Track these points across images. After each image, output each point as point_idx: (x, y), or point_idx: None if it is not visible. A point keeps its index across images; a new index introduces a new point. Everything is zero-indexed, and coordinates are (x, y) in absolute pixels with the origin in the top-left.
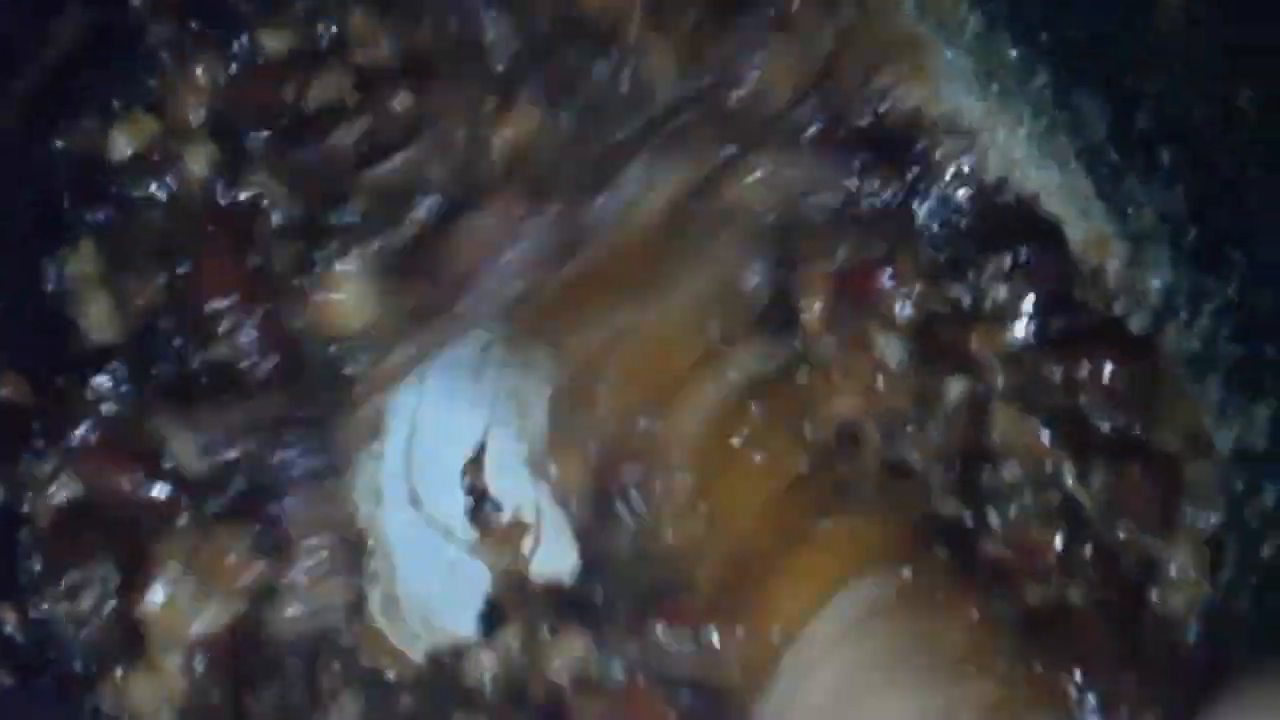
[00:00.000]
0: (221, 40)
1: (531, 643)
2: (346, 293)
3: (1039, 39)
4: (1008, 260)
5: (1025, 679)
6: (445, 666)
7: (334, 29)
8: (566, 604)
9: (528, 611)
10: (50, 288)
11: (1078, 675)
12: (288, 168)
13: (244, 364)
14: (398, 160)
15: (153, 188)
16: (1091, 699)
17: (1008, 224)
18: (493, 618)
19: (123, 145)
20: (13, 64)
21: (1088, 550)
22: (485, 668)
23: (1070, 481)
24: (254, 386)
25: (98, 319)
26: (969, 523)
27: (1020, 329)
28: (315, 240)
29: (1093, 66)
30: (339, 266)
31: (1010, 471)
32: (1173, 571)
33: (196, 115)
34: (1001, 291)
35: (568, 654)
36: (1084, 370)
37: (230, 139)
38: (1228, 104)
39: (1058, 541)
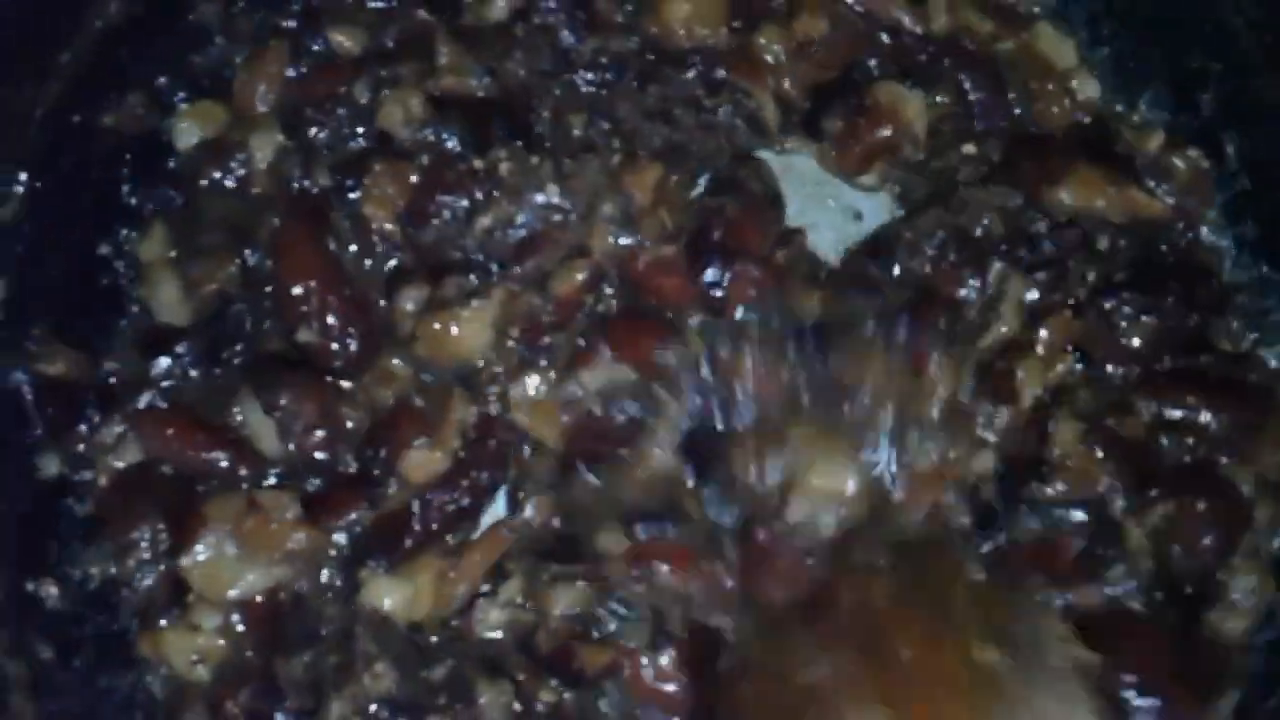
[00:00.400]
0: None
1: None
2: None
3: None
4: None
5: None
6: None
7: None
8: None
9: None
10: (121, 269)
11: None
12: None
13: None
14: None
15: (219, 175)
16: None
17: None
18: None
19: (190, 133)
20: (59, 37)
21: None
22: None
23: (1118, 510)
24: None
25: (167, 301)
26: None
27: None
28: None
29: None
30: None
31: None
32: (1235, 596)
33: (264, 103)
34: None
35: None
36: (1180, 412)
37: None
38: None
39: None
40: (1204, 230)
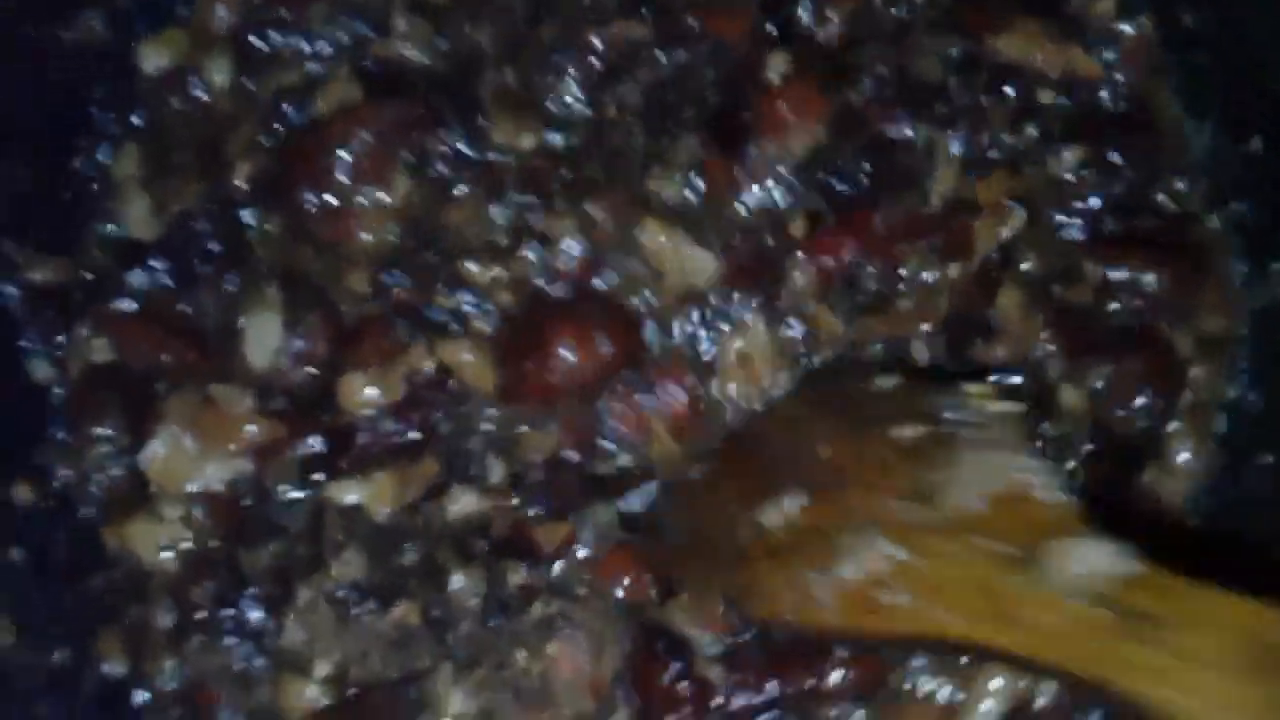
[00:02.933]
0: None
1: None
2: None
3: None
4: (1087, 149)
5: None
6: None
7: None
8: None
9: None
10: (94, 183)
11: None
12: None
13: None
14: None
15: (182, 97)
16: None
17: (1102, 117)
18: None
19: (153, 58)
20: None
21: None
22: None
23: (1056, 370)
24: None
25: (137, 217)
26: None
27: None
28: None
29: None
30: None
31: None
32: (1176, 458)
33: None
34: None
35: None
36: (1124, 273)
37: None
38: None
39: None
40: (1146, 91)
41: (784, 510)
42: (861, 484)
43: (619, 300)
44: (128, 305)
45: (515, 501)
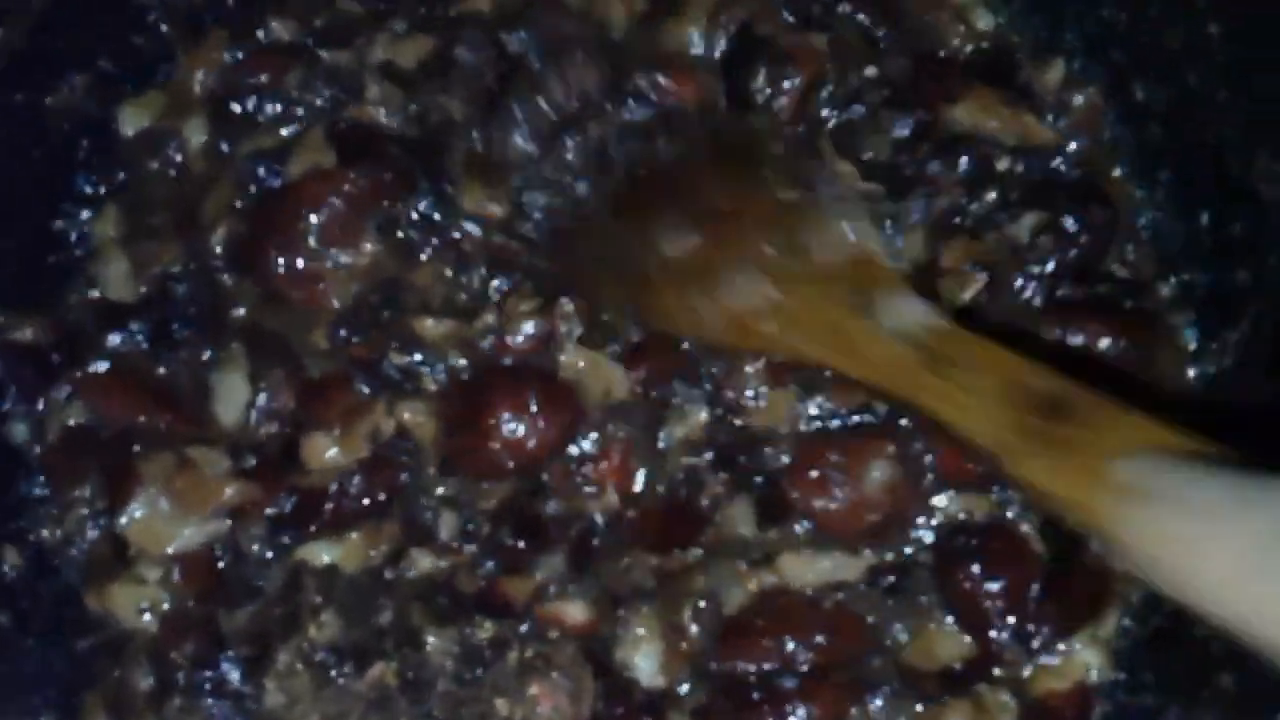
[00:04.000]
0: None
1: None
2: None
3: None
4: (1045, 215)
5: None
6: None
7: None
8: None
9: None
10: (74, 246)
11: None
12: None
13: None
14: None
15: (160, 159)
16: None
17: (1057, 184)
18: None
19: (133, 120)
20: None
21: None
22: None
23: None
24: None
25: (115, 279)
26: None
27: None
28: None
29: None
30: None
31: None
32: None
33: (200, 88)
34: (1028, 243)
35: None
36: (1080, 338)
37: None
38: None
39: None
40: (1097, 161)
41: (682, 243)
42: (748, 232)
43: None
44: (104, 367)
45: (469, 555)
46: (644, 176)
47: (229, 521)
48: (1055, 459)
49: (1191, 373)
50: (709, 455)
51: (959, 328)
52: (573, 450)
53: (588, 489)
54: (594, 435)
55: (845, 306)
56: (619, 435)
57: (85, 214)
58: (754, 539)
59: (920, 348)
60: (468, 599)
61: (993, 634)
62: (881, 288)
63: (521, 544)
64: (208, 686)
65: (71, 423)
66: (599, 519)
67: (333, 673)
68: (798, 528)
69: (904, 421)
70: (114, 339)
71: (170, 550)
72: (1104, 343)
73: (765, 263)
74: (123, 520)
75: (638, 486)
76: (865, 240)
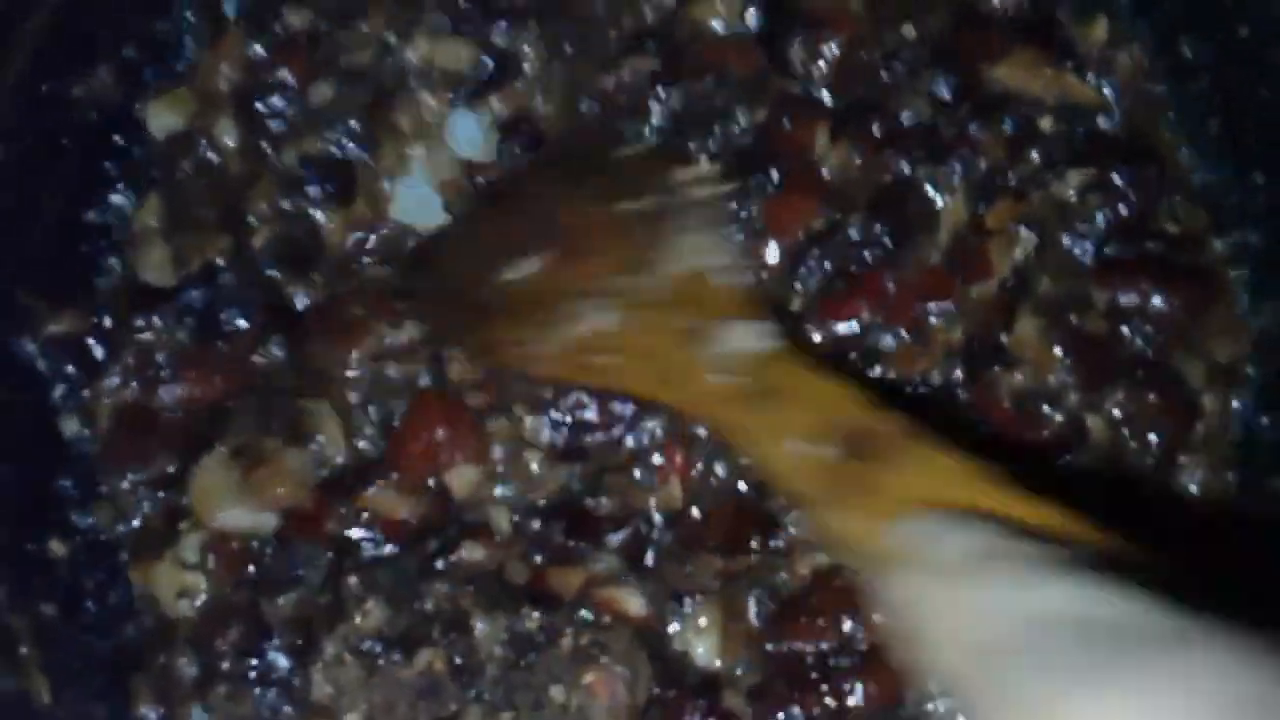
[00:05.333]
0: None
1: None
2: None
3: None
4: (1091, 172)
5: None
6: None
7: None
8: None
9: None
10: (110, 238)
11: None
12: None
13: None
14: None
15: (193, 159)
16: None
17: (1103, 141)
18: None
19: (162, 121)
20: (19, 4)
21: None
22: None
23: (1074, 400)
24: None
25: (153, 264)
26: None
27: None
28: None
29: None
30: None
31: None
32: (1188, 489)
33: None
34: (1075, 202)
35: None
36: (1134, 298)
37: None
38: None
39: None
40: (1144, 118)
41: (523, 272)
42: (588, 253)
43: None
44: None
45: (519, 549)
46: (485, 202)
47: (277, 520)
48: (847, 506)
49: (1246, 325)
50: None
51: (790, 355)
52: (629, 443)
53: (644, 486)
54: (653, 426)
55: (676, 334)
56: (675, 429)
57: (120, 203)
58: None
59: (748, 378)
60: (517, 589)
61: None
62: (715, 312)
63: (572, 541)
64: (254, 675)
65: (124, 403)
66: (657, 518)
67: (380, 661)
68: None
69: (960, 392)
70: (144, 321)
71: (218, 523)
72: (1156, 300)
73: (603, 288)
74: (194, 470)
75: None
76: (705, 257)
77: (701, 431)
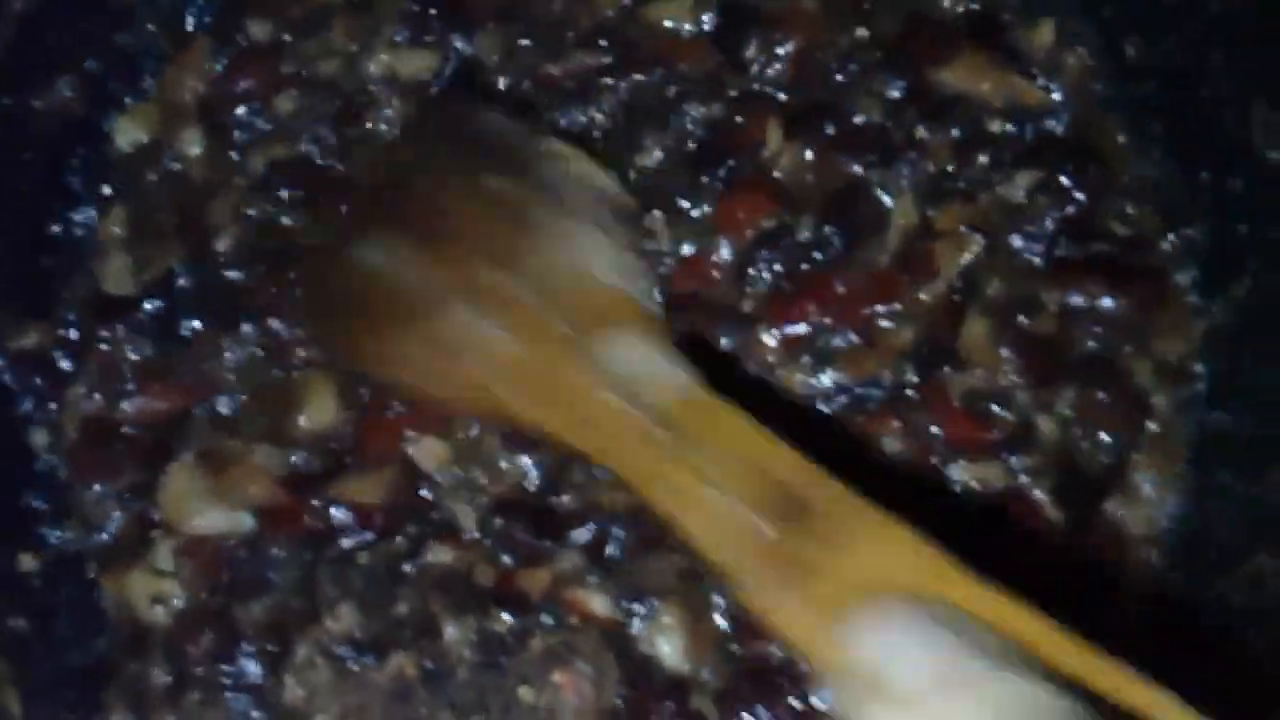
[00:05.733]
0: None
1: None
2: None
3: None
4: (1039, 174)
5: None
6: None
7: None
8: None
9: None
10: (73, 250)
11: None
12: None
13: None
14: None
15: (158, 169)
16: None
17: (1051, 143)
18: None
19: (128, 133)
20: None
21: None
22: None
23: (1026, 400)
24: None
25: (115, 274)
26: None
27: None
28: None
29: None
30: None
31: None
32: (1142, 489)
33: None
34: (1024, 203)
35: None
36: (1082, 298)
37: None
38: None
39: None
40: (1091, 120)
41: (382, 255)
42: (450, 236)
43: None
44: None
45: (485, 547)
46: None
47: (253, 519)
48: (786, 588)
49: (1195, 324)
50: None
51: (705, 391)
52: None
53: (603, 481)
54: None
55: (557, 342)
56: None
57: (84, 215)
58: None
59: (659, 416)
60: (484, 592)
61: None
62: (602, 318)
63: (537, 540)
64: (226, 681)
65: (89, 415)
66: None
67: (352, 665)
68: None
69: (910, 393)
70: (108, 331)
71: (191, 528)
72: (1105, 300)
73: (474, 281)
74: (163, 481)
75: None
76: (585, 248)
77: None
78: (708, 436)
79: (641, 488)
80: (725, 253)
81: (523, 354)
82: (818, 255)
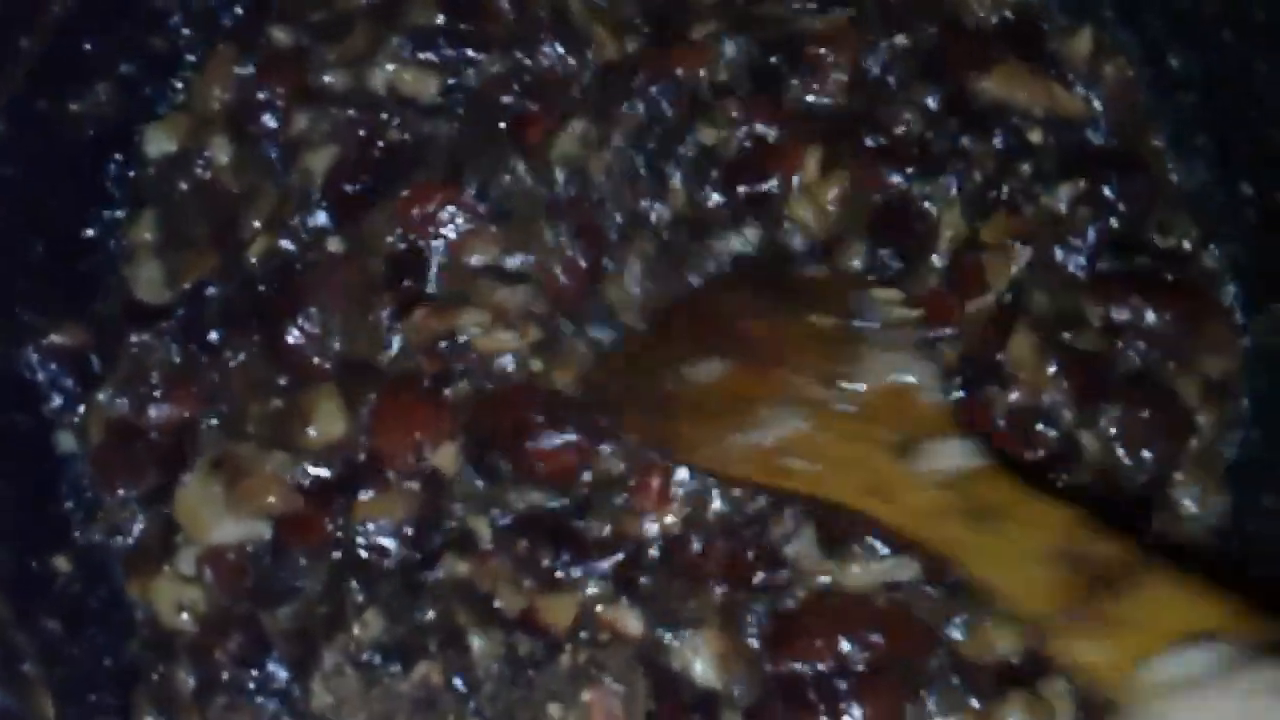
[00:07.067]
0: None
1: None
2: None
3: None
4: (1082, 185)
5: None
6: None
7: None
8: None
9: None
10: (111, 249)
11: None
12: None
13: None
14: None
15: (189, 178)
16: None
17: (1092, 153)
18: None
19: (159, 142)
20: (21, 21)
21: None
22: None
23: (1069, 418)
24: None
25: (147, 282)
26: None
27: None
28: None
29: None
30: None
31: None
32: (1183, 503)
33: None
34: (1066, 215)
35: None
36: (1126, 313)
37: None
38: None
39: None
40: (1133, 130)
41: (709, 372)
42: (781, 361)
43: None
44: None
45: (508, 570)
46: (676, 303)
47: (269, 528)
48: (1097, 639)
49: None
50: None
51: (1006, 474)
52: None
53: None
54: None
55: (882, 446)
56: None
57: (118, 221)
58: (820, 567)
59: (962, 496)
60: (510, 620)
61: None
62: (921, 427)
63: (561, 565)
64: (253, 686)
65: (113, 418)
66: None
67: (379, 672)
68: (857, 546)
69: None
70: (138, 337)
71: (209, 540)
72: (1149, 315)
73: (800, 395)
74: (178, 494)
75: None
76: (905, 374)
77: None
78: (1011, 511)
79: (953, 552)
80: None
81: (849, 453)
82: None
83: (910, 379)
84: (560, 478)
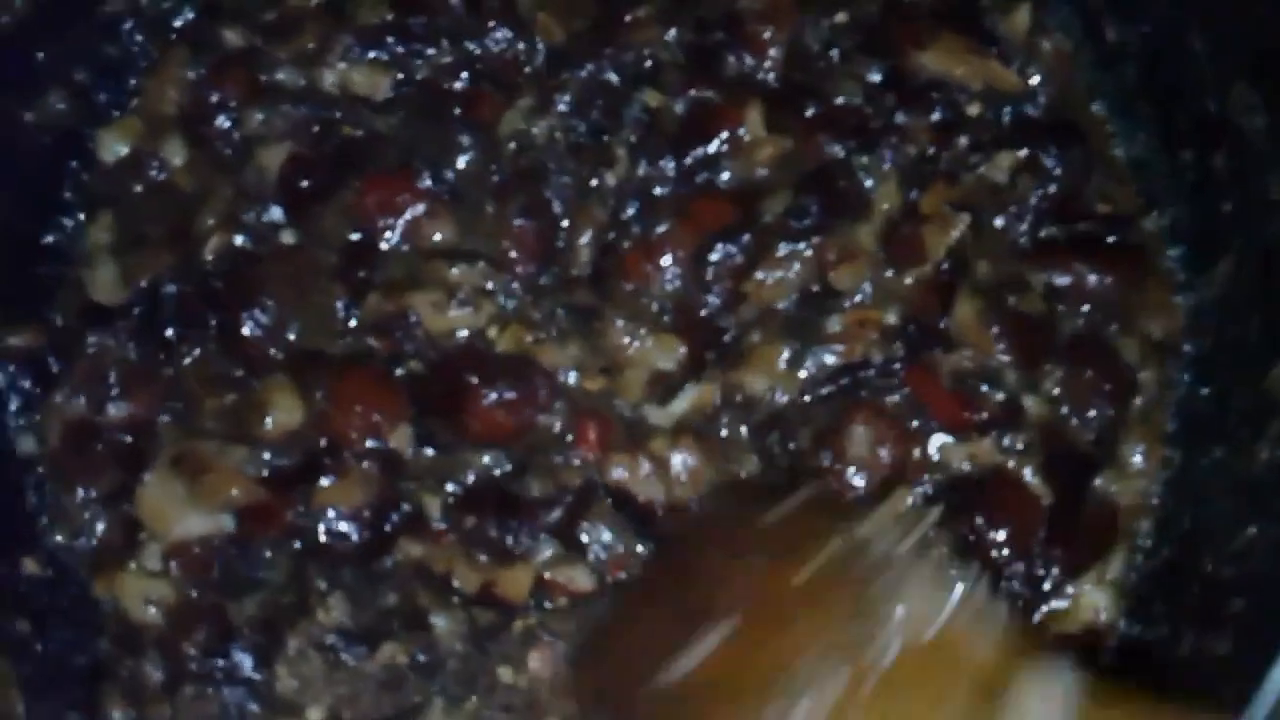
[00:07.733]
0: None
1: None
2: None
3: None
4: (1021, 155)
5: None
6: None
7: None
8: None
9: None
10: (66, 259)
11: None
12: None
13: None
14: None
15: (143, 180)
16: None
17: (1032, 124)
18: None
19: (111, 146)
20: None
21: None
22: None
23: (1013, 379)
24: None
25: (104, 283)
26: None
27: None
28: None
29: None
30: None
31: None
32: (1132, 461)
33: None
34: (1006, 184)
35: None
36: (1068, 278)
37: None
38: None
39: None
40: (1071, 103)
41: (703, 653)
42: (780, 621)
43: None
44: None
45: (454, 541)
46: (658, 560)
47: (232, 521)
48: None
49: (1179, 302)
50: None
51: (1114, 689)
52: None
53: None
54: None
55: (957, 713)
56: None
57: (75, 224)
58: None
59: None
60: (469, 596)
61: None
62: (999, 669)
63: (508, 532)
64: (219, 675)
65: (71, 419)
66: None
67: (343, 655)
68: None
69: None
70: (96, 339)
71: (174, 536)
72: (1091, 279)
73: (842, 640)
74: (139, 493)
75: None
76: (943, 602)
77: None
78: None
79: None
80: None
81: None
82: (794, 223)
83: (949, 614)
84: (499, 436)
